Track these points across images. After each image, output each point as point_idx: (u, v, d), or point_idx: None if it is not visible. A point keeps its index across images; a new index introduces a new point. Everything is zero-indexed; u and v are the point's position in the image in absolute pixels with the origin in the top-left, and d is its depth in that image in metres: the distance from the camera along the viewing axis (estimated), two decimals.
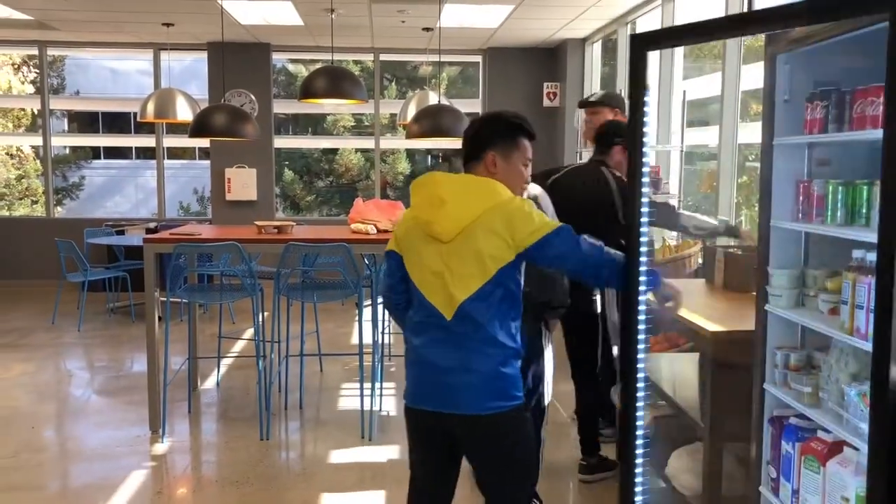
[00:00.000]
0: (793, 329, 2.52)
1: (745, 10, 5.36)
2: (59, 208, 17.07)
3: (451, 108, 5.53)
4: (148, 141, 10.75)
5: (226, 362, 6.11)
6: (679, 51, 6.64)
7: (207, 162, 9.67)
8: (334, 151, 17.35)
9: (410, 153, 17.19)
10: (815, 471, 2.21)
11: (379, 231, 4.90)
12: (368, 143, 10.62)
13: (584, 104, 4.59)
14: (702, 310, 3.33)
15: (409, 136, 5.55)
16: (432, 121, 5.32)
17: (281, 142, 11.73)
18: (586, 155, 7.13)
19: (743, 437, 3.12)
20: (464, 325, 2.31)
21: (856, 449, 2.04)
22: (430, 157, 17.51)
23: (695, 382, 3.78)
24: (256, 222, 4.99)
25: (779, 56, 2.44)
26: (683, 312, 3.27)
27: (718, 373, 3.00)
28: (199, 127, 5.13)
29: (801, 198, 2.42)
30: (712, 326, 3.00)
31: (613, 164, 3.96)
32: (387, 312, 2.76)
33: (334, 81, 4.99)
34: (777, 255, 2.50)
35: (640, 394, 2.41)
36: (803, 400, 2.30)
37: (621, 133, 3.89)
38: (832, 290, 2.31)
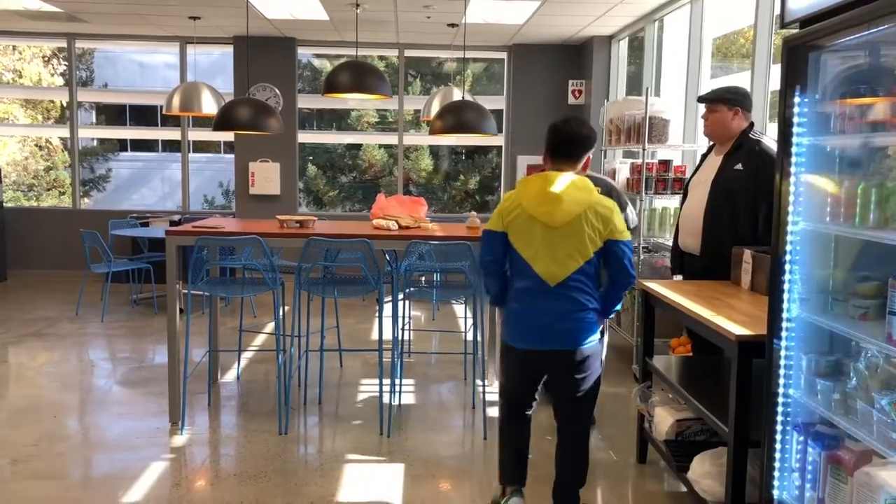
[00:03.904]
0: (819, 334, 2.46)
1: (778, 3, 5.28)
2: (85, 200, 17.25)
3: (475, 104, 5.48)
4: (174, 134, 10.78)
5: (246, 356, 6.14)
6: (707, 49, 6.56)
7: (232, 156, 9.70)
8: (358, 147, 17.34)
9: (433, 150, 17.14)
10: (842, 480, 2.15)
11: (401, 227, 4.88)
12: (392, 139, 10.60)
13: (702, 99, 4.36)
14: (727, 313, 3.28)
15: (432, 131, 5.51)
16: (456, 117, 5.27)
17: (305, 136, 11.74)
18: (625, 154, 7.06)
19: None
20: (564, 290, 3.16)
21: (885, 459, 1.99)
22: (453, 153, 17.46)
23: (720, 386, 3.72)
24: (278, 216, 4.98)
25: (811, 54, 2.38)
26: (708, 315, 3.24)
27: (744, 377, 2.94)
28: (224, 120, 5.13)
29: (829, 199, 2.37)
30: (738, 330, 2.94)
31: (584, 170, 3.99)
32: (487, 282, 3.43)
33: (358, 76, 4.96)
34: (803, 257, 2.45)
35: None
36: (832, 407, 2.24)
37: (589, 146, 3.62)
38: (862, 294, 2.25)
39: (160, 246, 7.78)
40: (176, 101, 7.63)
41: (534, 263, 3.17)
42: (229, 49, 9.54)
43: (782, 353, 2.46)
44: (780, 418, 2.49)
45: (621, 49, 8.79)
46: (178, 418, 4.59)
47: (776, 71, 5.26)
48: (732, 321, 3.09)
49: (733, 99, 4.24)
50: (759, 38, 5.23)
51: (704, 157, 4.51)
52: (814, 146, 2.41)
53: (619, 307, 3.40)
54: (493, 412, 4.74)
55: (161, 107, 8.56)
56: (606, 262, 3.21)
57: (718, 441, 3.68)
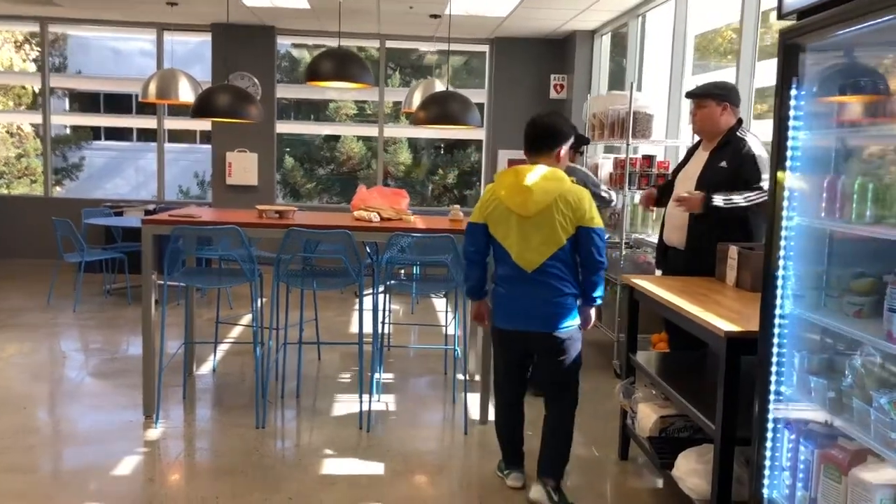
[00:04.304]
0: (811, 331, 2.43)
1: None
2: (57, 188, 16.94)
3: (459, 95, 5.41)
4: (149, 122, 10.60)
5: (222, 348, 6.03)
6: (690, 45, 6.54)
7: (209, 146, 9.55)
8: (336, 139, 17.21)
9: (412, 143, 17.06)
10: (835, 480, 2.12)
11: (383, 219, 4.80)
12: (372, 130, 10.51)
13: (690, 95, 4.34)
14: (714, 309, 3.25)
15: (415, 122, 5.44)
16: (440, 108, 5.19)
17: (283, 127, 11.61)
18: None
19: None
20: (542, 276, 3.36)
21: (881, 458, 1.95)
22: (432, 148, 17.38)
23: (705, 382, 3.70)
24: (258, 206, 4.89)
25: (808, 46, 2.34)
26: (695, 311, 3.20)
27: (732, 373, 2.91)
28: (202, 107, 5.01)
29: (825, 194, 2.33)
30: (727, 326, 2.90)
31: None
32: (468, 269, 3.62)
33: (342, 64, 4.86)
34: (797, 253, 2.41)
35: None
36: (826, 405, 2.21)
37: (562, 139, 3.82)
38: (857, 291, 2.22)
39: (135, 235, 7.65)
40: (152, 88, 7.46)
41: (511, 252, 3.39)
42: (206, 37, 9.39)
43: (774, 349, 2.43)
44: (771, 416, 2.46)
45: (604, 44, 8.76)
46: (152, 411, 4.48)
47: (761, 68, 5.27)
48: (720, 317, 3.06)
49: (721, 94, 4.22)
50: (745, 35, 5.21)
51: (692, 151, 4.49)
52: (810, 140, 2.37)
53: (600, 293, 3.49)
54: (474, 407, 4.69)
55: (136, 95, 8.41)
56: (577, 249, 3.38)
57: (702, 438, 3.65)
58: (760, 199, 3.90)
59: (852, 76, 2.30)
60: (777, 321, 2.43)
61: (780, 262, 2.40)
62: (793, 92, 2.37)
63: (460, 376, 5.18)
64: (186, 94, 7.48)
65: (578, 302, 3.49)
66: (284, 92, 13.43)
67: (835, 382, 2.21)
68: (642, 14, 7.46)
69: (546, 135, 3.50)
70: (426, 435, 4.50)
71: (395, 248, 4.47)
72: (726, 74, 5.91)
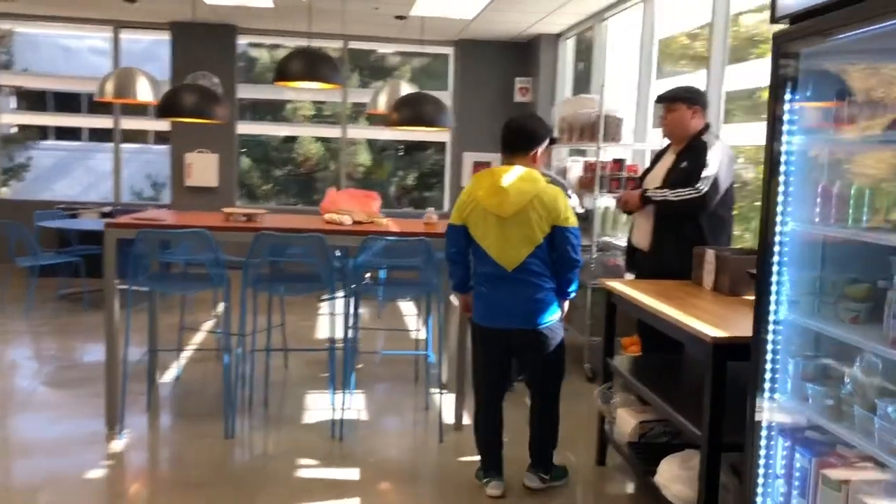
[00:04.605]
0: (806, 337, 2.42)
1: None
2: (3, 189, 16.42)
3: (432, 97, 5.33)
4: (102, 122, 10.31)
5: (185, 354, 5.86)
6: (656, 49, 6.56)
7: (162, 147, 9.36)
8: (293, 140, 17.01)
9: (371, 144, 16.93)
10: (834, 488, 2.10)
11: (354, 222, 4.71)
12: (335, 132, 10.38)
13: (662, 98, 4.36)
14: (696, 313, 3.23)
15: (389, 124, 5.35)
16: (414, 109, 5.12)
17: (244, 128, 11.36)
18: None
19: (741, 447, 3.04)
20: (521, 274, 3.45)
21: (884, 466, 1.94)
22: (392, 149, 17.26)
23: (684, 386, 3.69)
24: (224, 209, 4.75)
25: (804, 51, 2.33)
26: (679, 316, 3.18)
27: (718, 379, 2.89)
28: (168, 107, 4.85)
29: (819, 199, 2.32)
30: (713, 332, 2.88)
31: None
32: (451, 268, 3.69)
33: (312, 64, 4.75)
34: (792, 258, 2.39)
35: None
36: (825, 413, 2.19)
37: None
38: (853, 297, 2.20)
39: (91, 238, 7.44)
40: (109, 87, 7.21)
41: (491, 251, 3.47)
42: (160, 36, 9.16)
43: (769, 356, 2.41)
44: (765, 423, 2.43)
45: (568, 48, 8.77)
46: (116, 422, 4.32)
47: (729, 72, 5.30)
48: (704, 322, 3.04)
49: (692, 98, 4.28)
50: (715, 39, 5.24)
51: (661, 154, 4.52)
52: (804, 145, 2.36)
53: (574, 287, 3.62)
54: (449, 413, 4.62)
55: (87, 94, 8.17)
56: (553, 247, 3.48)
57: (681, 443, 3.64)
58: (689, 196, 4.05)
59: (847, 81, 2.29)
60: (771, 327, 2.40)
61: (774, 268, 2.38)
62: (787, 96, 2.35)
63: (433, 384, 5.11)
64: (145, 93, 7.26)
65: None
66: (242, 92, 13.19)
67: (833, 389, 2.19)
68: (609, 18, 7.48)
69: (522, 136, 3.61)
70: (400, 442, 4.42)
71: (369, 251, 4.38)
72: (690, 78, 5.94)
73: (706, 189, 4.06)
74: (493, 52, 9.39)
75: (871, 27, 2.07)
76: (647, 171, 4.60)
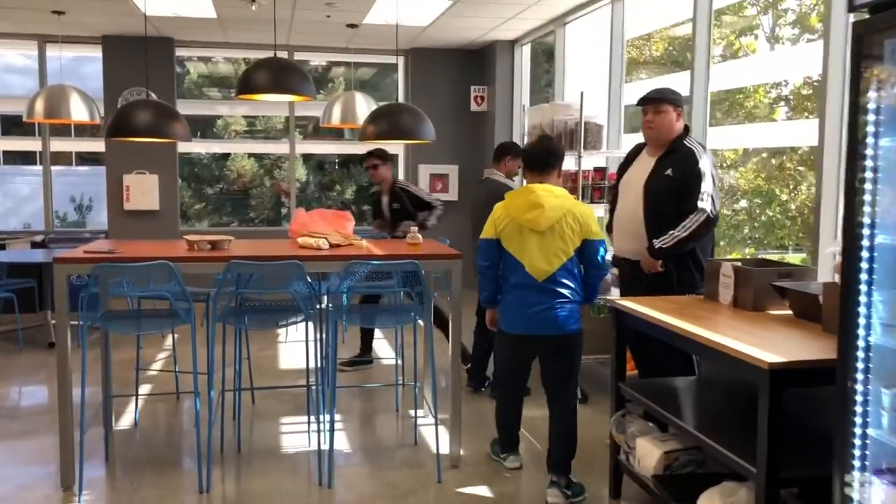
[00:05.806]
0: None
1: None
2: None
3: (411, 107, 4.99)
4: (22, 145, 9.61)
5: (141, 396, 5.33)
6: (625, 53, 6.36)
7: (86, 168, 8.75)
8: (226, 157, 16.40)
9: (306, 158, 16.47)
10: None
11: (332, 245, 4.32)
12: (282, 147, 9.86)
13: (648, 100, 4.12)
14: (732, 334, 2.96)
15: (363, 138, 4.97)
16: (391, 121, 4.75)
17: (187, 146, 10.69)
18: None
19: (799, 481, 2.79)
20: (551, 284, 3.67)
21: None
22: (327, 163, 16.77)
23: (719, 413, 3.43)
24: (186, 237, 4.29)
25: (887, 42, 2.07)
26: (722, 339, 2.90)
27: (776, 410, 2.62)
28: (120, 126, 4.35)
29: None
30: (770, 357, 2.61)
31: (504, 171, 5.35)
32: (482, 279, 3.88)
33: (282, 75, 4.33)
34: (882, 276, 2.13)
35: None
36: None
37: (511, 151, 5.40)
38: None
39: (22, 271, 6.81)
40: (39, 106, 6.70)
41: (524, 263, 3.68)
42: (90, 52, 8.57)
43: (858, 387, 2.13)
44: (857, 462, 2.16)
45: (524, 54, 8.53)
46: (72, 481, 3.82)
47: (714, 72, 5.12)
48: (751, 345, 2.77)
49: (676, 99, 4.18)
50: (699, 39, 5.05)
51: (633, 155, 4.31)
52: (893, 147, 2.10)
53: (597, 293, 3.88)
54: (445, 449, 4.25)
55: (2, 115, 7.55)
56: (583, 258, 3.72)
57: (709, 473, 3.38)
58: (698, 223, 3.97)
59: None
60: (860, 353, 2.13)
61: (863, 287, 2.11)
62: (871, 94, 2.09)
63: (422, 413, 4.74)
64: (79, 112, 6.75)
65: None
66: (178, 108, 12.60)
67: None
68: (569, 23, 7.26)
69: (552, 157, 3.88)
70: (394, 485, 4.03)
71: (354, 276, 4.00)
72: (669, 79, 5.76)
73: (710, 207, 3.96)
74: (445, 60, 9.09)
75: None
76: (620, 174, 4.40)
